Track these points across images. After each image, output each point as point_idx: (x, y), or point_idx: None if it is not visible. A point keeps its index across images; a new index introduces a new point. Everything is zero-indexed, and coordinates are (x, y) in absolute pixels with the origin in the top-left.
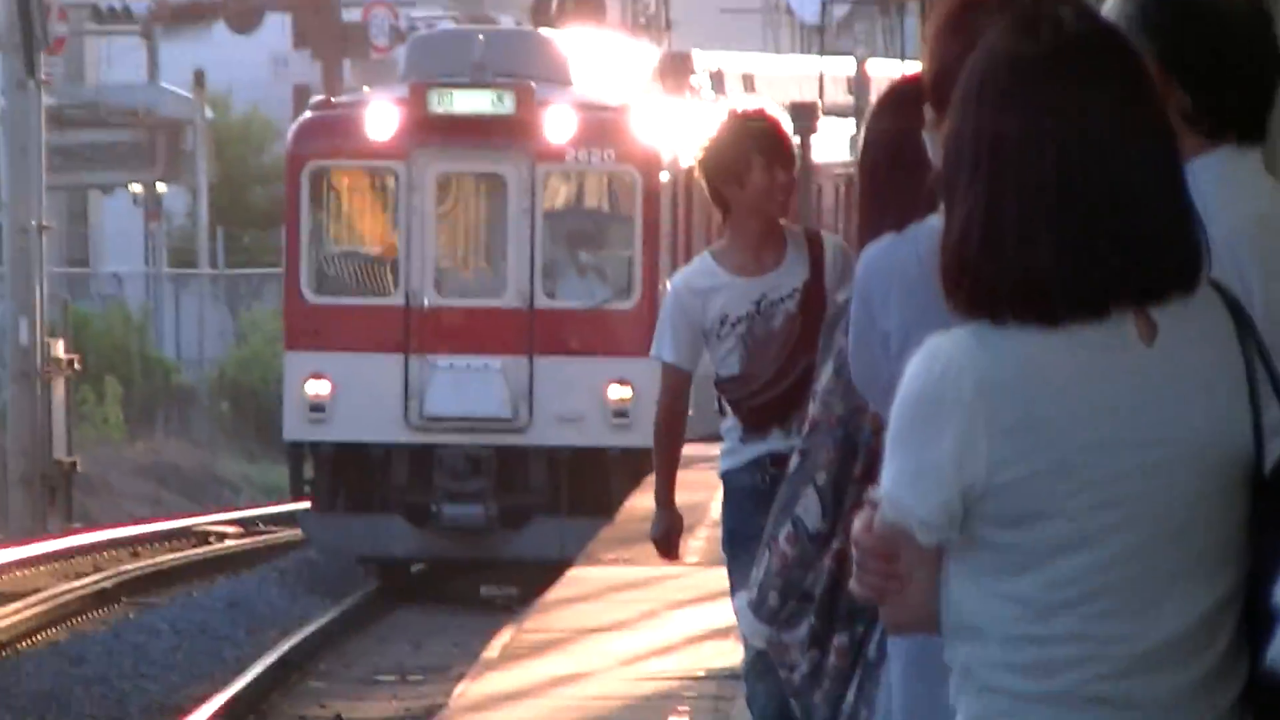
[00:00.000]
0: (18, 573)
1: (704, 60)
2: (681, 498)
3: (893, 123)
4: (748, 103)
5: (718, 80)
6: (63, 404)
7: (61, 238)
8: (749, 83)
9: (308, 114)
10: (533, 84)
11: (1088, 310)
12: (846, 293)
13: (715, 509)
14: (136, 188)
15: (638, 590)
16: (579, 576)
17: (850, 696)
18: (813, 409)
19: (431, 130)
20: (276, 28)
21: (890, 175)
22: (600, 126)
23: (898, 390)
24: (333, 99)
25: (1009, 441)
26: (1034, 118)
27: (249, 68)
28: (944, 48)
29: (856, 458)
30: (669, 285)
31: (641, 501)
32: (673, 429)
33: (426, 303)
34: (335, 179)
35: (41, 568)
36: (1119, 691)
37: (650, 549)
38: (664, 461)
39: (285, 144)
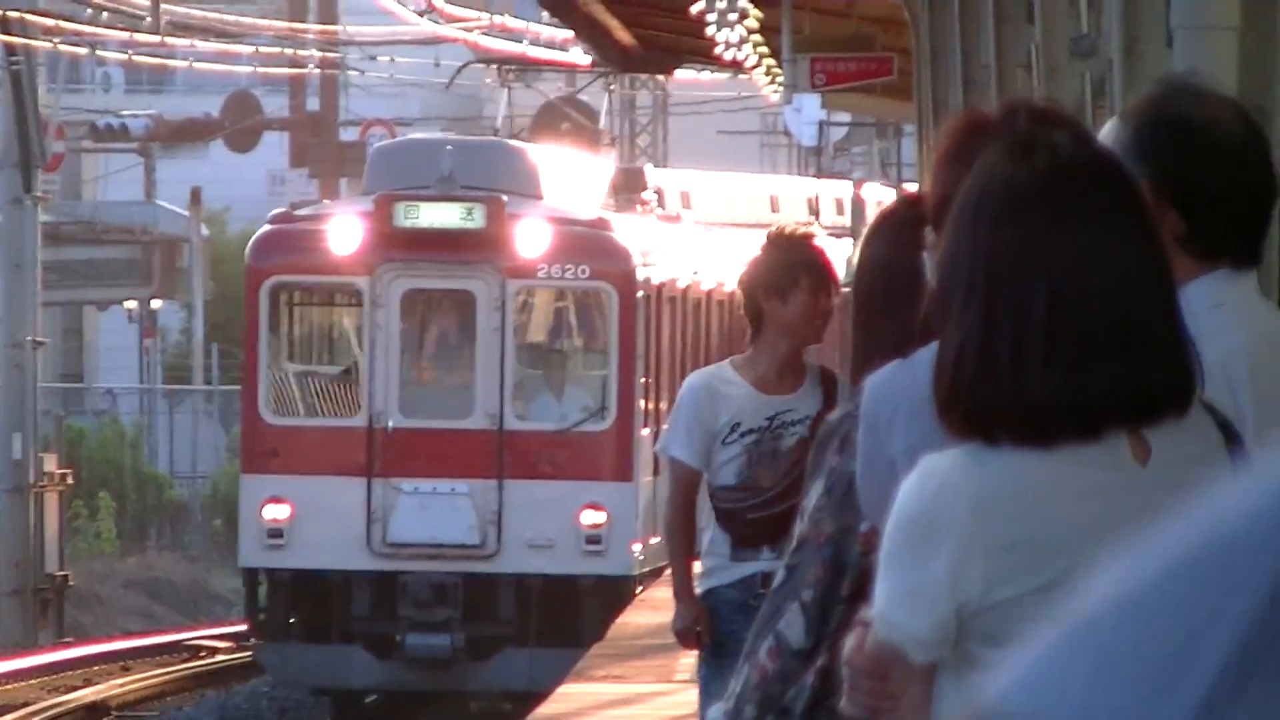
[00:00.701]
0: (8, 686)
1: (656, 176)
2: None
3: (887, 248)
4: (788, 223)
5: (670, 196)
6: (55, 518)
7: (56, 353)
8: (702, 199)
9: (267, 227)
10: (504, 197)
11: (1081, 431)
12: (839, 411)
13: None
14: (132, 304)
15: (628, 707)
16: (570, 693)
17: None
18: (800, 526)
19: (397, 245)
20: (274, 146)
21: (885, 300)
22: (574, 241)
23: (892, 509)
24: (295, 211)
25: (1003, 561)
26: (1028, 242)
27: (246, 185)
28: (947, 173)
29: (845, 577)
30: (685, 384)
31: (631, 617)
32: (684, 525)
33: (391, 424)
34: (296, 295)
35: (32, 681)
36: None
37: (641, 665)
38: (678, 556)
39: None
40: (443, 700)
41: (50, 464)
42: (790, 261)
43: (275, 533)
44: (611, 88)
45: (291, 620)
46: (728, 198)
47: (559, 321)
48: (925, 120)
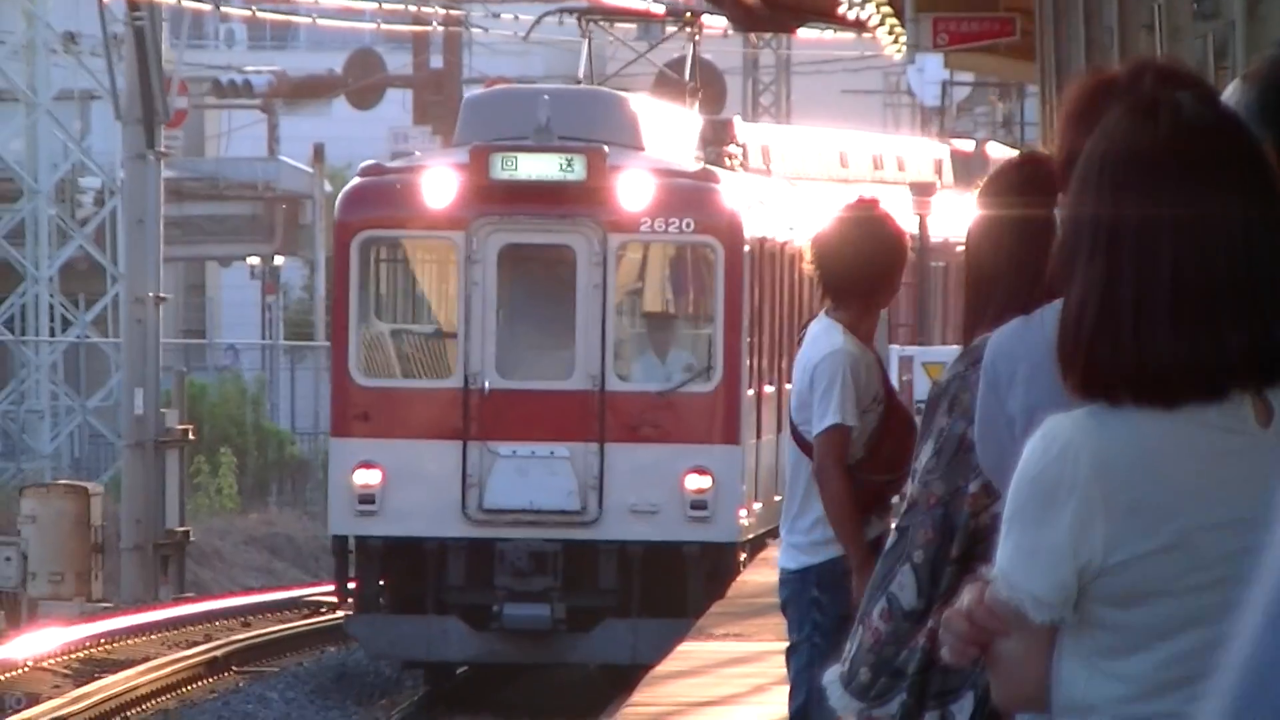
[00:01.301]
0: (129, 641)
1: (745, 130)
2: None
3: (1000, 207)
4: (853, 193)
5: (754, 151)
6: (176, 474)
7: (178, 309)
8: (785, 154)
9: (358, 180)
10: (605, 148)
11: (1205, 392)
12: (949, 372)
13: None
14: (254, 260)
15: (747, 665)
16: (689, 651)
17: None
18: (911, 488)
19: (493, 198)
20: (396, 104)
21: (998, 259)
22: (678, 194)
23: (1015, 470)
24: (386, 164)
25: (1125, 522)
26: (1152, 203)
27: (368, 143)
28: (1074, 132)
29: (954, 539)
30: (835, 352)
31: (751, 576)
32: (851, 491)
33: (487, 385)
34: (388, 250)
35: (152, 636)
36: None
37: (760, 623)
38: (852, 524)
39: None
40: (539, 672)
41: (172, 420)
42: (896, 239)
43: (366, 499)
44: (696, 38)
45: (383, 590)
46: (810, 153)
47: (662, 278)
48: (1047, 81)
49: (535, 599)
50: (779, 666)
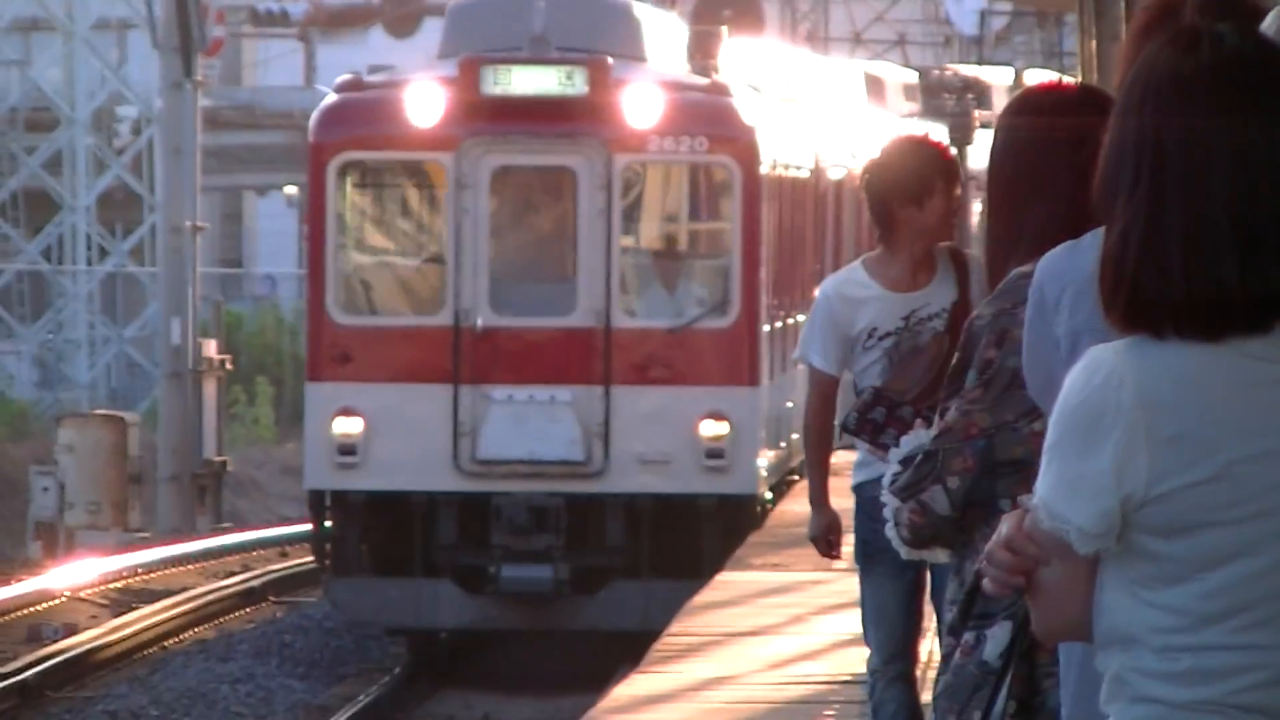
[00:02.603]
0: (166, 571)
1: (734, 45)
2: (834, 503)
3: (1028, 132)
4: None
5: (746, 64)
6: (214, 404)
7: (215, 238)
8: (774, 74)
9: (334, 97)
10: (608, 59)
11: (1251, 325)
12: (992, 307)
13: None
14: (291, 189)
15: (785, 595)
16: (727, 581)
17: (999, 706)
18: (951, 415)
19: (485, 115)
20: (434, 32)
21: (1025, 185)
22: (689, 110)
23: (1058, 400)
24: (365, 78)
25: (1169, 452)
26: (1195, 133)
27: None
28: (1137, 54)
29: (997, 474)
30: (819, 291)
31: (790, 507)
32: (822, 432)
33: (480, 323)
34: (369, 174)
35: (190, 567)
36: (1268, 700)
37: (799, 554)
38: (816, 463)
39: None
40: (539, 640)
41: (209, 350)
42: (925, 166)
43: (347, 449)
44: None
45: (365, 551)
46: (801, 75)
47: (673, 203)
48: (1085, 10)
49: (535, 559)
50: (818, 596)
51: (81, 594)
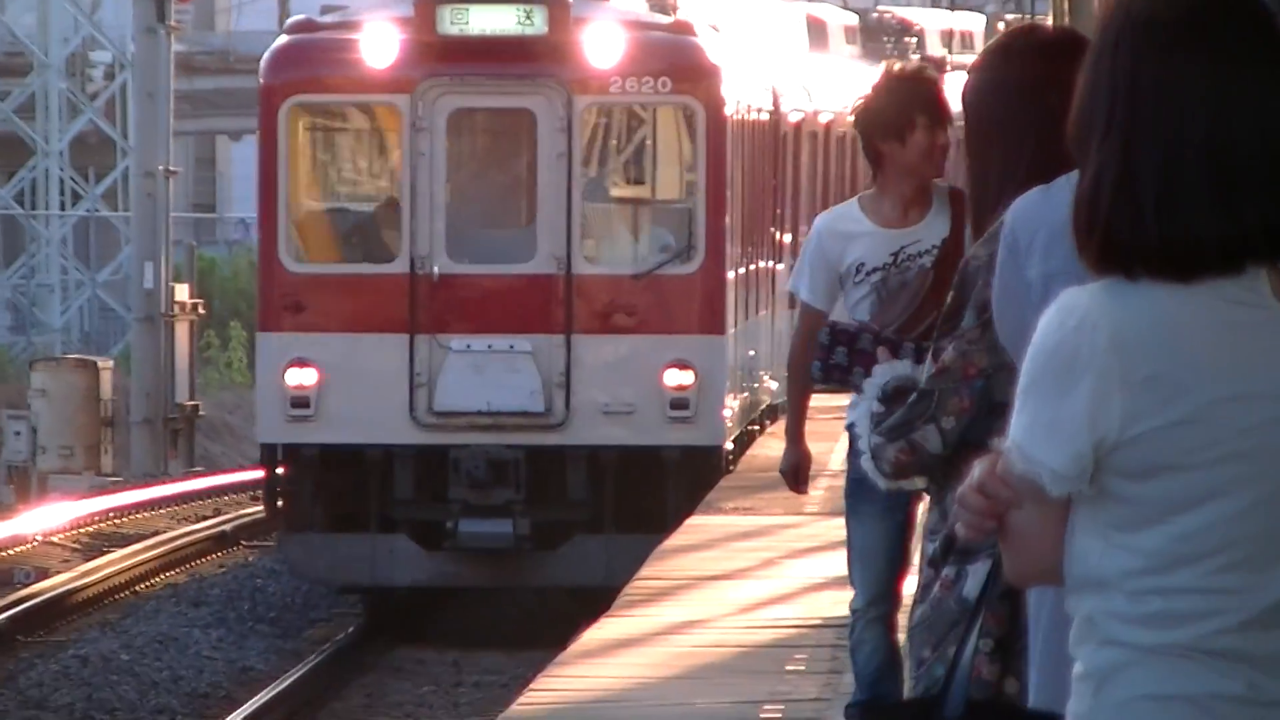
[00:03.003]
0: (138, 515)
1: None
2: (810, 446)
3: (1001, 75)
4: (903, 60)
5: (697, 6)
6: (187, 348)
7: (188, 183)
8: (738, 20)
9: (284, 38)
10: None
11: (1224, 266)
12: (985, 249)
13: (836, 459)
14: None
15: (757, 539)
16: (698, 524)
17: (968, 649)
18: (948, 355)
19: (442, 56)
20: None
21: (1003, 128)
22: (652, 49)
23: (1030, 343)
24: (317, 19)
25: (1142, 395)
26: (1170, 77)
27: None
28: None
29: (993, 414)
30: (813, 225)
31: (761, 450)
32: (804, 367)
33: (437, 270)
34: (321, 117)
35: (162, 511)
36: (1236, 645)
37: (770, 497)
38: (796, 397)
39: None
40: (499, 597)
41: (182, 294)
42: (904, 102)
43: (300, 401)
44: None
45: (319, 506)
46: (746, 17)
47: (636, 145)
48: None
49: (495, 514)
50: (789, 540)
51: (53, 538)
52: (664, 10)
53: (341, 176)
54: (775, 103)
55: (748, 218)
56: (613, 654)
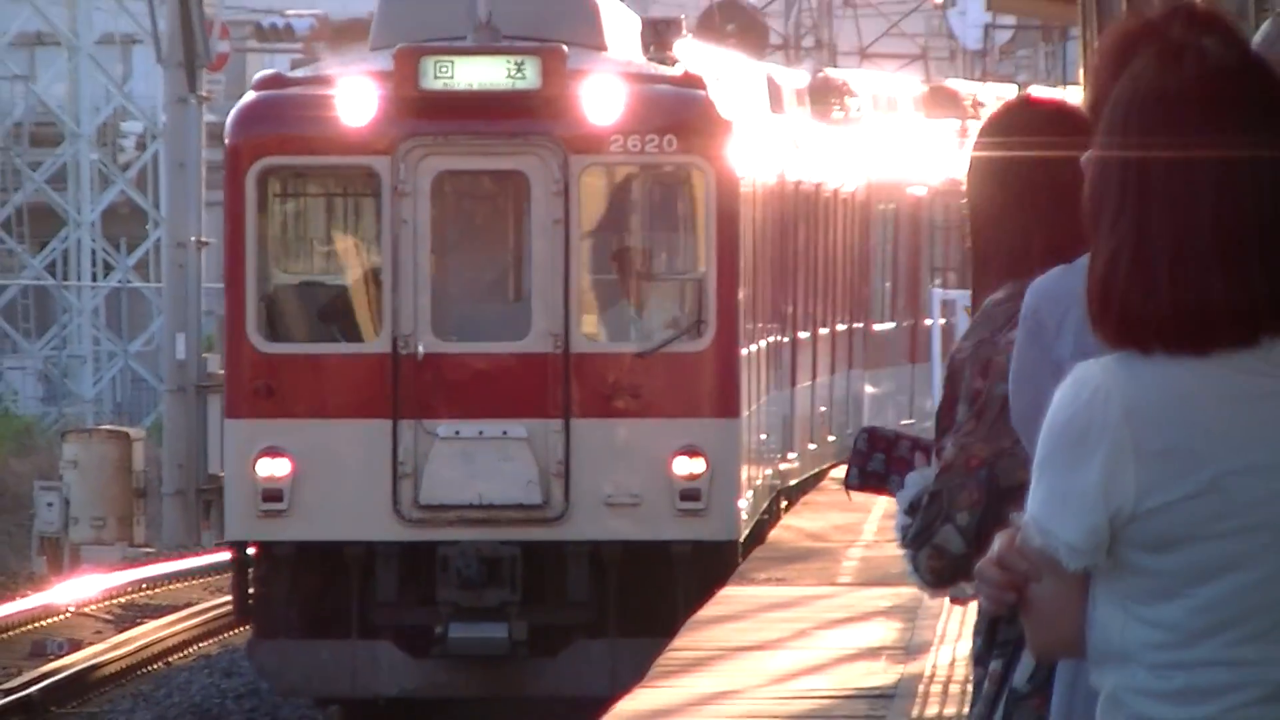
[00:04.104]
0: (171, 586)
1: (690, 43)
2: (837, 518)
3: (1002, 150)
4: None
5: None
6: (218, 419)
7: (219, 253)
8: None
9: (253, 94)
10: (563, 47)
11: (1237, 337)
12: (972, 338)
13: (869, 530)
14: None
15: (789, 609)
16: (731, 595)
17: None
18: (948, 452)
19: (425, 113)
20: None
21: (1004, 207)
22: (656, 104)
23: (1045, 417)
24: (287, 74)
25: (1157, 466)
26: (1181, 149)
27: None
28: (1106, 79)
29: (1005, 500)
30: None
31: (793, 521)
32: None
33: (422, 349)
34: (293, 182)
35: (194, 581)
36: (1263, 717)
37: (802, 568)
38: None
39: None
40: (492, 707)
41: (214, 364)
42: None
43: (273, 494)
44: None
45: (294, 609)
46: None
47: (639, 210)
48: (1088, 23)
49: (488, 617)
50: (821, 611)
51: (86, 609)
52: (664, 61)
53: (316, 246)
54: (808, 167)
55: (767, 289)
56: None
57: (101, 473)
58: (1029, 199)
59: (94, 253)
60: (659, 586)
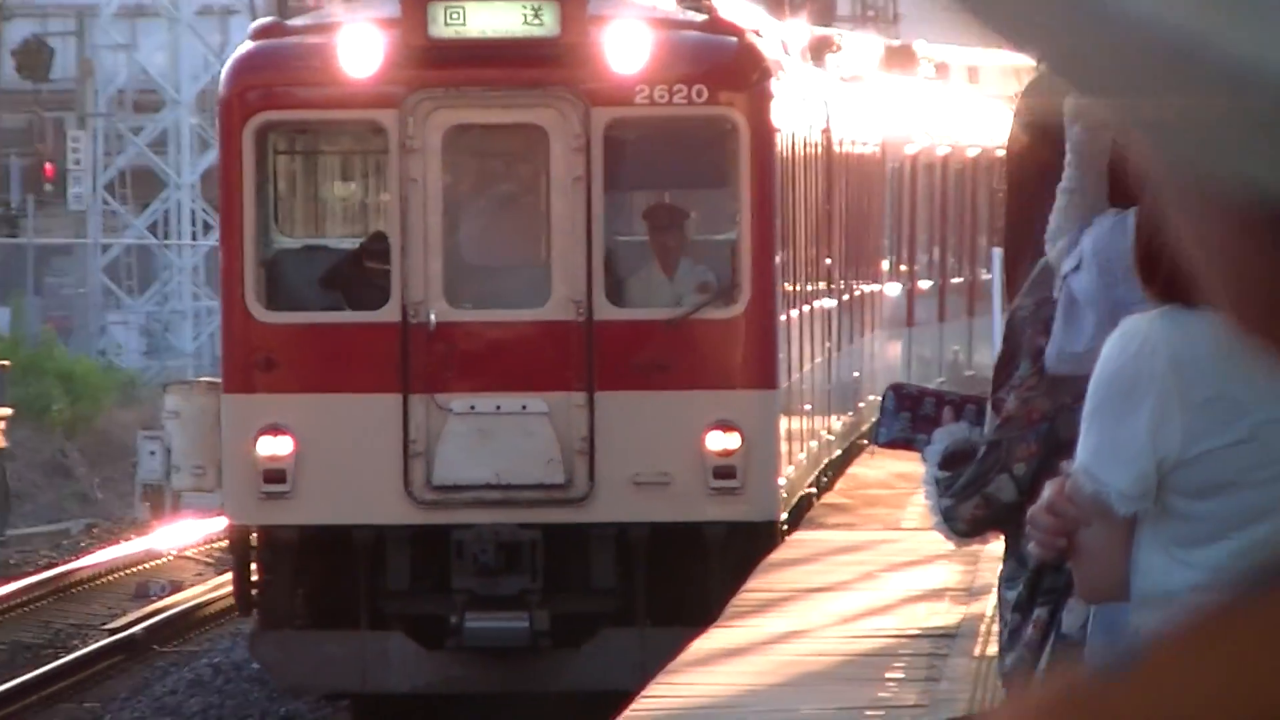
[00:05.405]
0: None
1: None
2: (898, 466)
3: (1033, 114)
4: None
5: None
6: None
7: None
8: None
9: (249, 44)
10: None
11: None
12: (1032, 297)
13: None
14: None
15: (857, 553)
16: (801, 539)
17: (1042, 666)
18: (1010, 405)
19: (435, 63)
20: None
21: (1036, 174)
22: (685, 51)
23: (1095, 369)
24: (287, 22)
25: (1202, 416)
26: None
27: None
28: None
29: (1062, 454)
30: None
31: (859, 468)
32: None
33: (433, 318)
34: (293, 139)
35: None
36: None
37: (869, 514)
38: None
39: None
40: (512, 702)
41: None
42: None
43: (274, 475)
44: None
45: (300, 599)
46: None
47: (667, 166)
48: None
49: (507, 606)
50: (887, 555)
51: (187, 553)
52: (698, 7)
53: (319, 208)
54: (827, 120)
55: (807, 251)
56: (720, 663)
57: (201, 423)
58: (1059, 172)
59: (193, 213)
60: (691, 572)
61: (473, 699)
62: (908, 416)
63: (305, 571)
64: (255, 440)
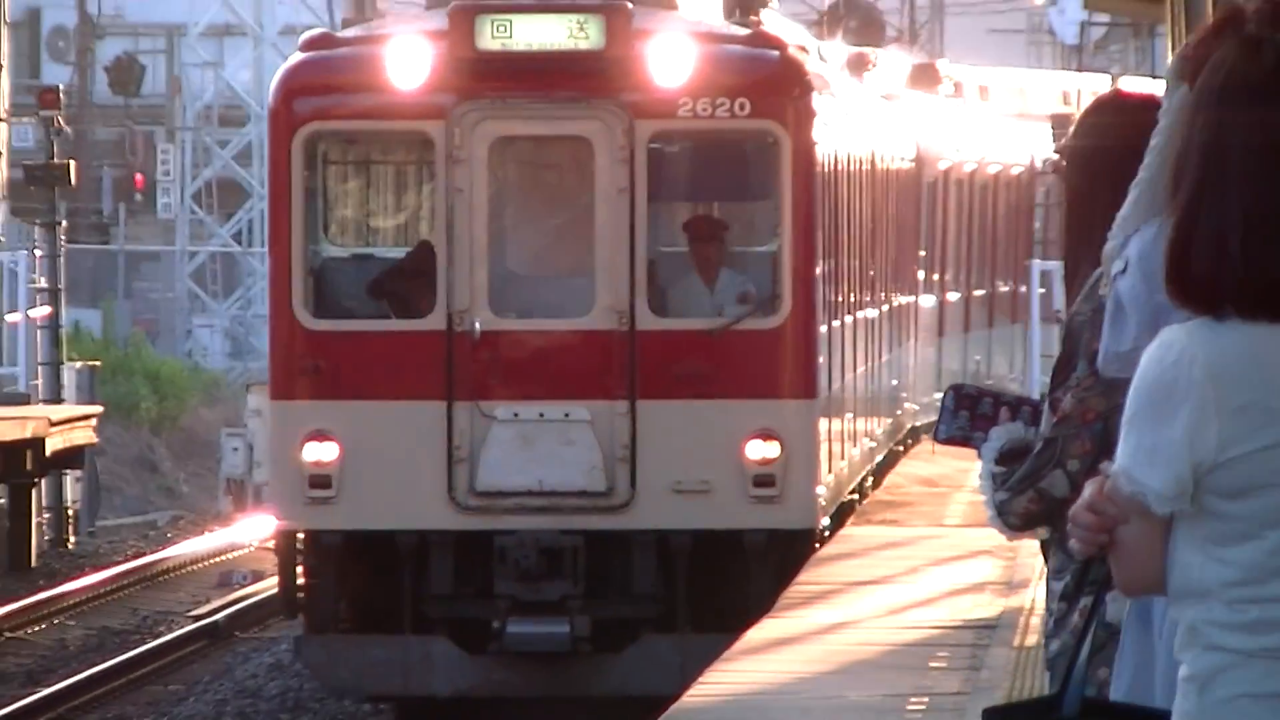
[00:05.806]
0: None
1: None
2: (945, 465)
3: (1096, 138)
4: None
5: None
6: None
7: None
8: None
9: (299, 56)
10: (629, 4)
11: None
12: (1088, 305)
13: (973, 477)
14: None
15: (903, 548)
16: (850, 535)
17: (1084, 653)
18: (1067, 403)
19: (482, 76)
20: None
21: (1096, 190)
22: (729, 66)
23: (1134, 377)
24: (337, 34)
25: (1236, 422)
26: (1257, 132)
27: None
28: (1203, 56)
29: (1113, 453)
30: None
31: (906, 468)
32: None
33: (478, 326)
34: (342, 149)
35: None
36: None
37: (915, 510)
38: None
39: (268, 99)
40: (553, 706)
41: None
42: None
43: (320, 481)
44: None
45: (344, 603)
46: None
47: (710, 178)
48: (1176, 22)
49: (548, 611)
50: (931, 550)
51: (267, 544)
52: (743, 22)
53: (366, 217)
54: (866, 135)
55: (848, 264)
56: (773, 651)
57: None
58: (1120, 185)
59: None
60: (731, 578)
61: (515, 703)
62: (966, 415)
63: (350, 575)
64: (302, 446)
